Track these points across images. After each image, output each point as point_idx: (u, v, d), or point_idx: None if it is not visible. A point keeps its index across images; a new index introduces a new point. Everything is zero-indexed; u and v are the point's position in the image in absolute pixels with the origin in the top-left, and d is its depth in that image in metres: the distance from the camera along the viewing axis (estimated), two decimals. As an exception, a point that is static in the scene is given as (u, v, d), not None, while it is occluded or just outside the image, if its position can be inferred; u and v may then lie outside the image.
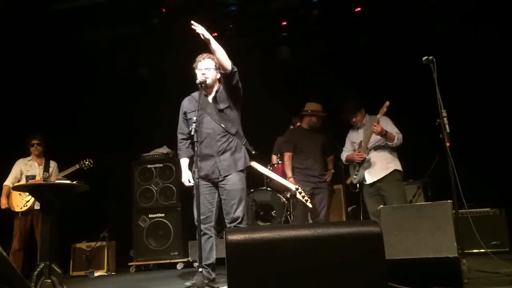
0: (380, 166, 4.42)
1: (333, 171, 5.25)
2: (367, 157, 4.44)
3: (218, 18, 6.15)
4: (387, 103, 4.34)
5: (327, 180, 5.11)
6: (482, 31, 5.62)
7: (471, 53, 5.66)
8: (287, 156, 5.07)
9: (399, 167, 4.45)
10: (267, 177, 5.38)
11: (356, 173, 4.57)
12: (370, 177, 4.47)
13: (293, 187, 4.34)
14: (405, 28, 5.98)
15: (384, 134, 4.30)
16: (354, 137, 4.70)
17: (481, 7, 5.53)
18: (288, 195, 5.41)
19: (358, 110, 4.64)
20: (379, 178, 4.41)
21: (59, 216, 3.58)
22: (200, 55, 3.77)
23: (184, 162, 3.74)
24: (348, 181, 4.83)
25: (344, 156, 4.75)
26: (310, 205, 4.35)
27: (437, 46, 4.66)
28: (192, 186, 3.60)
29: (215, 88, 3.78)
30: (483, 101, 5.63)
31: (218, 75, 3.76)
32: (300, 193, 4.29)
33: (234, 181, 3.61)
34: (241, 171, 3.66)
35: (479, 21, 5.60)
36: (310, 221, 5.12)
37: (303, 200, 4.31)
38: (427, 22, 5.92)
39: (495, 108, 5.61)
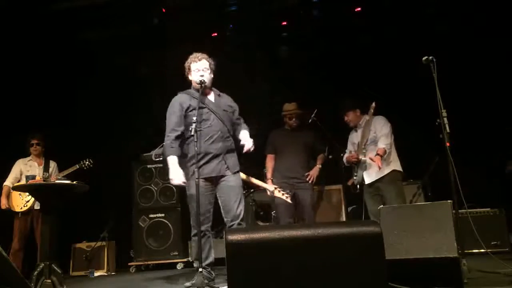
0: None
1: (319, 166, 5.00)
2: (363, 158, 4.43)
3: (218, 18, 6.15)
4: (373, 104, 4.38)
5: (311, 176, 4.89)
6: (482, 31, 5.61)
7: (471, 53, 5.65)
8: (269, 158, 5.04)
9: (398, 167, 4.44)
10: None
11: (355, 174, 4.57)
12: (368, 177, 4.48)
13: (271, 187, 4.36)
14: (405, 28, 5.97)
15: (381, 159, 4.28)
16: (354, 138, 4.71)
17: (481, 7, 5.53)
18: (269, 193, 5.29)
19: (349, 109, 4.63)
20: (377, 178, 4.42)
21: (59, 216, 3.58)
22: (195, 55, 3.77)
23: (174, 160, 3.58)
24: (350, 183, 4.79)
25: (344, 158, 4.76)
26: (289, 201, 4.39)
27: (437, 46, 4.65)
28: (186, 185, 3.59)
29: (213, 89, 3.82)
30: (483, 101, 5.62)
31: (212, 76, 3.79)
32: (279, 191, 4.32)
33: (237, 179, 3.70)
34: (239, 171, 3.77)
35: (479, 21, 5.60)
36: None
37: (283, 197, 4.33)
38: (427, 22, 5.92)
39: (495, 108, 5.60)
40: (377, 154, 4.30)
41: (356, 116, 4.65)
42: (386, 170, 4.39)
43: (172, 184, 3.79)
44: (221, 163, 3.64)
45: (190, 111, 3.65)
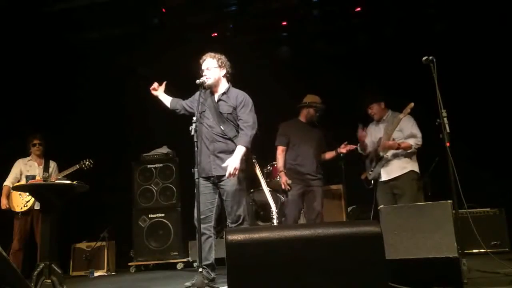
0: (397, 166, 4.37)
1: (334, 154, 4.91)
2: (386, 155, 4.38)
3: (218, 18, 6.15)
4: (412, 104, 4.21)
5: (343, 149, 4.78)
6: (482, 31, 5.61)
7: (471, 53, 5.65)
8: (280, 149, 4.81)
9: (416, 169, 4.39)
10: (268, 176, 5.35)
11: (372, 169, 4.51)
12: (386, 174, 4.41)
13: (273, 208, 4.09)
14: (405, 28, 5.97)
15: (396, 148, 4.28)
16: (374, 131, 4.60)
17: (481, 7, 5.53)
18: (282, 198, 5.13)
19: (374, 102, 4.54)
20: (395, 176, 4.36)
21: (59, 216, 3.58)
22: (203, 55, 3.77)
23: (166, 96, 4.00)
24: (363, 176, 4.67)
25: (359, 146, 4.68)
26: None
27: (437, 46, 4.65)
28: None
29: (222, 88, 3.77)
30: (483, 101, 5.62)
31: (223, 72, 3.75)
32: (275, 217, 4.05)
33: (233, 182, 3.61)
34: (240, 172, 3.64)
35: (479, 21, 5.60)
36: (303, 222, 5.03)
37: (274, 222, 4.09)
38: (427, 22, 5.92)
39: (495, 108, 5.60)
40: (398, 144, 4.26)
41: (380, 108, 4.54)
42: (405, 170, 4.35)
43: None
44: (209, 164, 3.62)
45: (191, 108, 3.80)
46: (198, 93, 3.76)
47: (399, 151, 4.35)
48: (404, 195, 4.28)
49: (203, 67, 3.72)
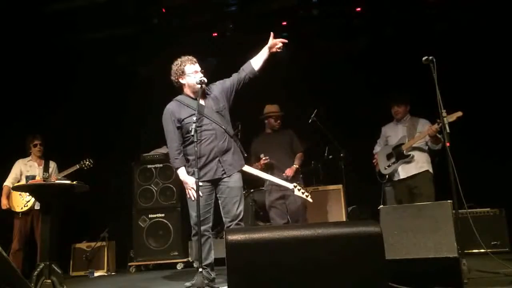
0: (415, 165, 4.48)
1: (296, 166, 4.87)
2: (410, 154, 4.47)
3: (218, 18, 6.15)
4: (460, 113, 3.92)
5: (286, 175, 4.74)
6: (482, 31, 5.61)
7: (471, 53, 5.65)
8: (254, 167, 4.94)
9: (431, 169, 4.50)
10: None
11: (389, 164, 4.59)
12: (404, 172, 4.51)
13: (290, 185, 4.04)
14: (405, 28, 5.98)
15: (435, 135, 4.31)
16: (391, 131, 4.72)
17: (481, 7, 5.53)
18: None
19: (403, 103, 4.65)
20: (411, 174, 4.47)
21: (59, 216, 3.58)
22: (187, 58, 3.74)
23: (183, 170, 3.64)
24: (377, 168, 4.77)
25: (377, 150, 4.83)
26: (310, 200, 4.10)
27: (437, 46, 4.65)
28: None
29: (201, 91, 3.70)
30: (483, 101, 5.62)
31: None
32: (299, 190, 4.01)
33: (236, 179, 3.65)
34: (240, 170, 3.72)
35: (479, 21, 5.60)
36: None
37: (303, 196, 4.02)
38: (427, 22, 5.92)
39: (495, 108, 5.60)
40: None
41: (406, 110, 4.67)
42: (421, 169, 4.46)
43: (182, 186, 3.75)
44: (217, 166, 3.59)
45: (185, 121, 3.62)
46: (170, 105, 3.72)
47: (419, 151, 4.46)
48: (423, 192, 4.37)
49: (197, 68, 3.70)
